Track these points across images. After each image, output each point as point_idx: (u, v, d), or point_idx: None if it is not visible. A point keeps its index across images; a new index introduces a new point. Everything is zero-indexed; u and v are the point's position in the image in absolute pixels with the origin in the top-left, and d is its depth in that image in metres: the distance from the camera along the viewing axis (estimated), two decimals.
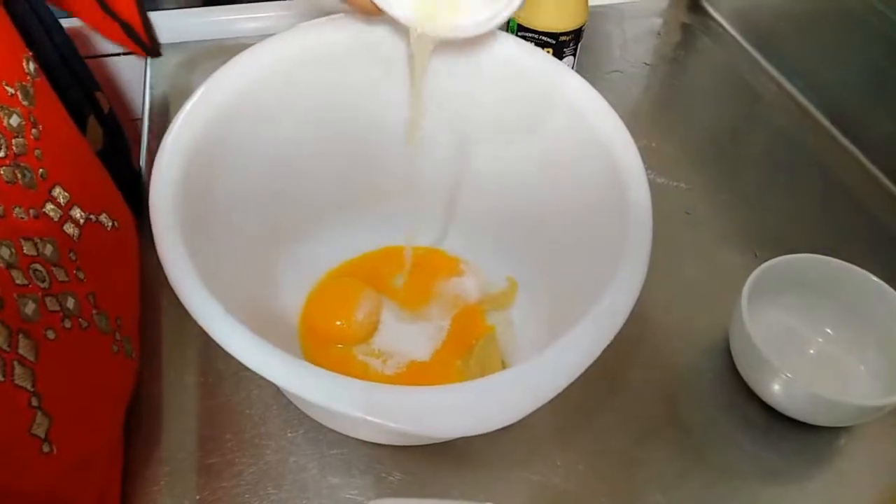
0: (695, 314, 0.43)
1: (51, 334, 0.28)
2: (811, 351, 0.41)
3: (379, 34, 0.36)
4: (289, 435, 0.36)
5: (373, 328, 0.39)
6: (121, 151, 0.50)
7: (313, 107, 0.38)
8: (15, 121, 0.31)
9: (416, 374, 0.38)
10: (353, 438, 0.36)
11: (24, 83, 0.32)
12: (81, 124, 0.42)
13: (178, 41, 0.60)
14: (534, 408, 0.24)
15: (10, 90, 0.31)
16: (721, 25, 0.67)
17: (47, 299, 0.29)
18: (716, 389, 0.40)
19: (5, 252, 0.27)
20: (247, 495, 0.34)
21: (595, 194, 0.33)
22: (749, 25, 0.65)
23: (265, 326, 0.34)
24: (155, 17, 0.59)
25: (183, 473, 0.35)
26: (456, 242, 0.43)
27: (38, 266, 0.29)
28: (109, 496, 0.33)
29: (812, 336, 0.41)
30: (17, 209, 0.29)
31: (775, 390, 0.37)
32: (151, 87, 0.56)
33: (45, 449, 0.27)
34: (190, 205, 0.30)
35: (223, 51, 0.59)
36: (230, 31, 0.61)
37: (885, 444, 0.38)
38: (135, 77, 0.61)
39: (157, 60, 0.58)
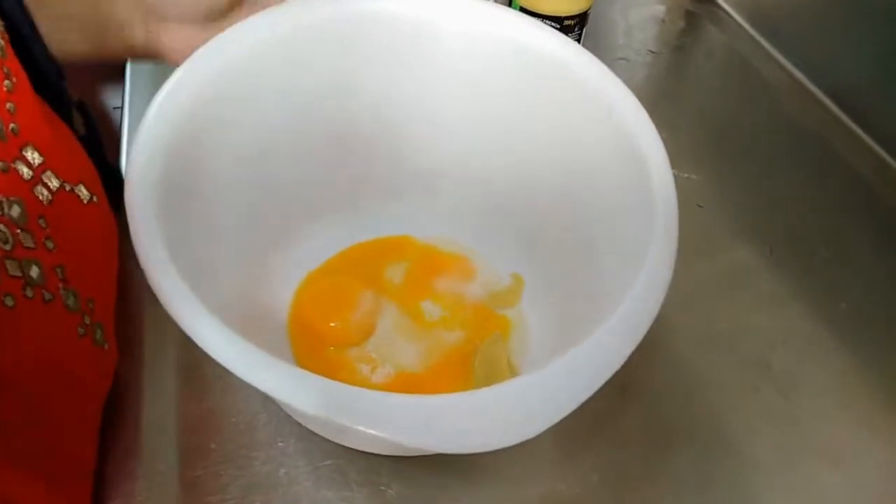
0: (711, 312, 0.41)
1: (9, 301, 0.26)
2: None
3: (380, 8, 0.34)
4: (279, 444, 0.34)
5: (369, 330, 0.37)
6: (97, 142, 0.47)
7: (304, 91, 0.35)
8: None
9: (404, 385, 0.35)
10: (348, 448, 0.34)
11: None
12: (66, 113, 0.39)
13: None
14: (554, 421, 0.22)
15: None
16: (726, 12, 0.65)
17: (8, 262, 0.26)
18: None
19: None
20: None
21: (613, 185, 0.31)
22: (755, 12, 0.63)
23: (254, 327, 0.32)
24: None
25: (164, 487, 0.32)
26: (459, 236, 0.41)
27: (1, 226, 0.26)
28: None
29: None
30: None
31: None
32: (131, 75, 0.53)
33: None
34: (170, 197, 0.27)
35: None
36: None
37: None
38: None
39: None
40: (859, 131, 0.54)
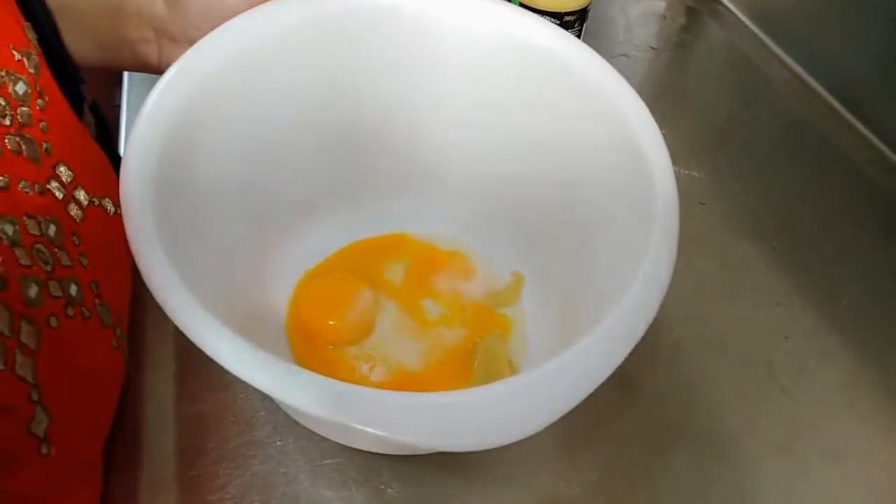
0: (712, 310, 0.41)
1: (53, 322, 0.26)
2: None
3: (382, 3, 0.34)
4: (278, 443, 0.33)
5: (368, 328, 0.37)
6: (110, 143, 0.47)
7: (304, 86, 0.35)
8: (21, 88, 0.28)
9: (403, 383, 0.35)
10: (347, 447, 0.33)
11: (29, 50, 0.29)
12: (78, 111, 0.39)
13: None
14: (554, 418, 0.22)
15: (17, 55, 0.28)
16: (727, 8, 0.65)
17: (50, 283, 0.26)
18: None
19: (9, 229, 0.25)
20: None
21: (614, 182, 0.31)
22: (756, 7, 0.62)
23: (252, 326, 0.31)
24: None
25: (163, 487, 0.32)
26: (458, 234, 0.41)
27: (41, 247, 0.26)
28: None
29: None
30: (22, 182, 0.26)
31: None
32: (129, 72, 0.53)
33: (44, 450, 0.24)
34: (166, 192, 0.27)
35: None
36: None
37: None
38: None
39: None
40: (861, 127, 0.53)
